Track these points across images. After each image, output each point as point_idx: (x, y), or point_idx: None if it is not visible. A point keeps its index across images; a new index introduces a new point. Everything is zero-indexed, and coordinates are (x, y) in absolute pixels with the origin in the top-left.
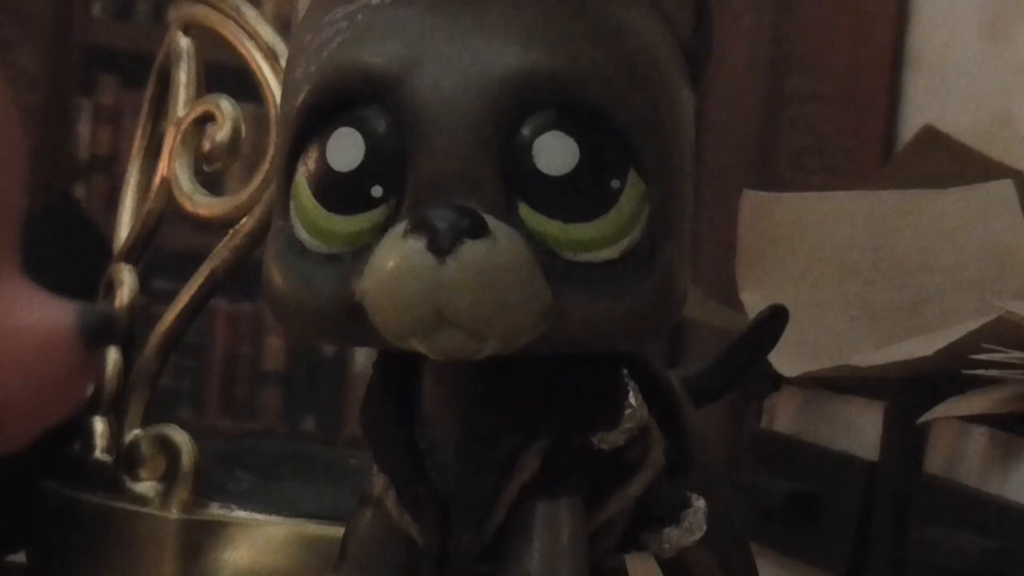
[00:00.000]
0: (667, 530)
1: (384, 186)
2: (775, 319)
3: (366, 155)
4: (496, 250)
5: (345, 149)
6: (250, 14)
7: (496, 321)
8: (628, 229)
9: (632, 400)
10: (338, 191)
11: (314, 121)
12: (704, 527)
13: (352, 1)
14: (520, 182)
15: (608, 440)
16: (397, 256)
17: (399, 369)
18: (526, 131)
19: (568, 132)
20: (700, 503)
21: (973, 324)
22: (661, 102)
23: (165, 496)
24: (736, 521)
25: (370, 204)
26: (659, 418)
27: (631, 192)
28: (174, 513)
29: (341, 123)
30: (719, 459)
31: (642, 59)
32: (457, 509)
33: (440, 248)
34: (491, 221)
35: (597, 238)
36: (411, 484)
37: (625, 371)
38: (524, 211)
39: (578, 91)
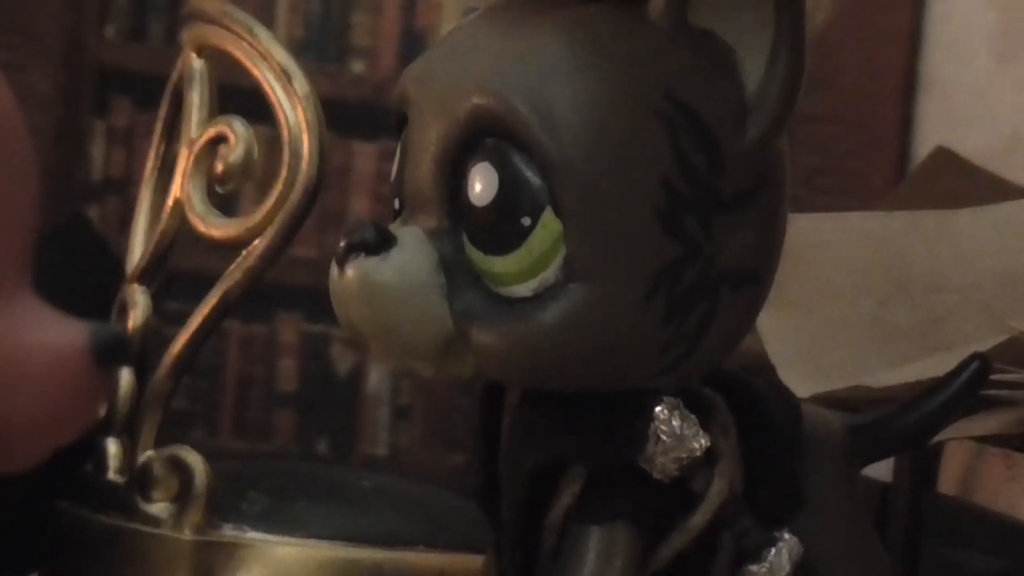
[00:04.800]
0: (748, 567)
1: (400, 198)
2: (976, 371)
3: (397, 167)
4: (380, 268)
5: (395, 160)
6: (263, 35)
7: (390, 338)
8: (539, 268)
9: (677, 429)
10: (391, 198)
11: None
12: (787, 568)
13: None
14: (462, 210)
15: (658, 468)
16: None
17: (497, 397)
18: (468, 161)
19: (495, 165)
20: (788, 542)
21: (986, 345)
22: (606, 149)
23: (178, 517)
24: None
25: (396, 213)
26: (759, 453)
27: (542, 232)
28: (187, 534)
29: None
30: (854, 509)
31: (604, 105)
32: (504, 533)
33: (339, 260)
34: (412, 241)
35: (508, 273)
36: (485, 509)
37: (664, 401)
38: (465, 239)
39: (509, 128)
